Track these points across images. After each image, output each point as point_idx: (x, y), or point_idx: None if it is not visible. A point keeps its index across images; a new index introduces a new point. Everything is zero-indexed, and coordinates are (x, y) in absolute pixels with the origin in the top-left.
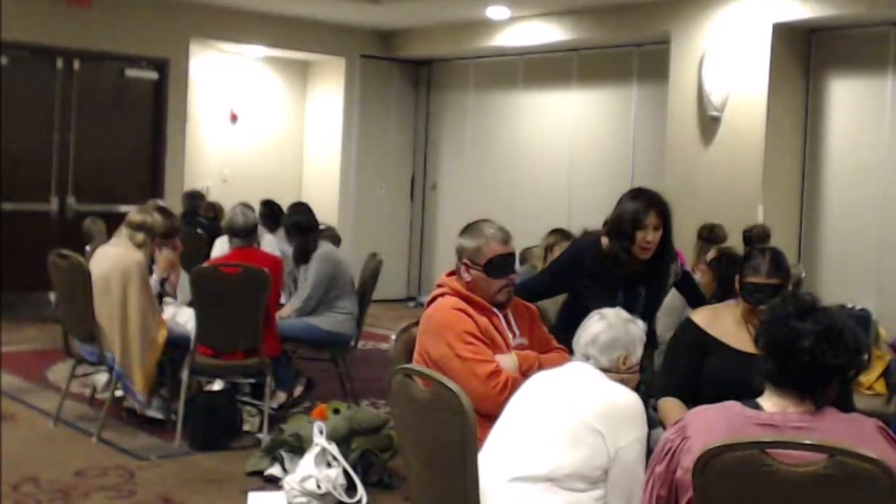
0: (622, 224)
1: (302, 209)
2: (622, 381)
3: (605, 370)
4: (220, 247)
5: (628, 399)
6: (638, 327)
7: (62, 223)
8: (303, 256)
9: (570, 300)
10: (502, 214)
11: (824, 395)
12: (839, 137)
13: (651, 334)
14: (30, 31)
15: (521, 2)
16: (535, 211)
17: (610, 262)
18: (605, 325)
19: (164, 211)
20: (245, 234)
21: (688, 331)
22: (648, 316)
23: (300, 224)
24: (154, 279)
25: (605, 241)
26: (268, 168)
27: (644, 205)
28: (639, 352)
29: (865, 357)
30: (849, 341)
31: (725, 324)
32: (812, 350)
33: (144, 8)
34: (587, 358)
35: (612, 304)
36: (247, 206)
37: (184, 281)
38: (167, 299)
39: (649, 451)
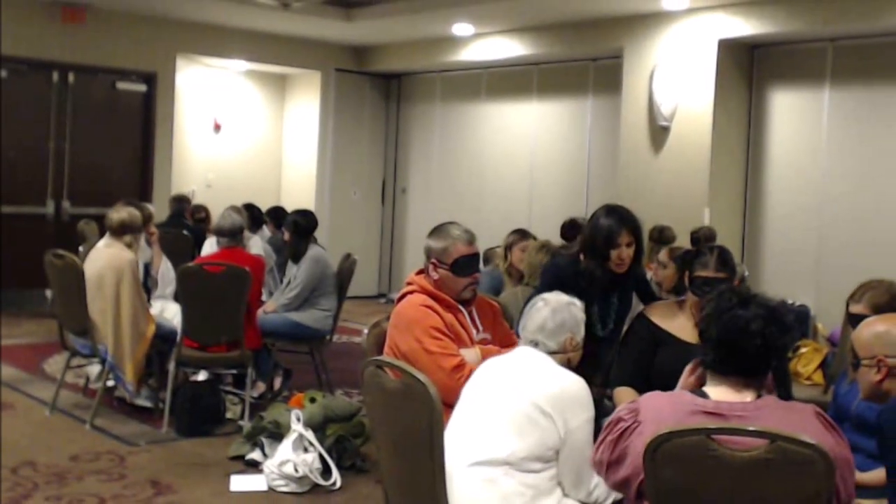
0: (597, 243)
1: (306, 213)
2: (569, 360)
3: (554, 352)
4: (209, 247)
5: (576, 384)
6: (578, 308)
7: (58, 225)
8: (293, 256)
9: None
10: (467, 217)
11: (763, 380)
12: (780, 146)
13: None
14: (28, 47)
15: (485, 19)
16: (498, 213)
17: (587, 279)
18: (550, 310)
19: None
20: (231, 235)
21: (641, 325)
22: (619, 321)
23: (299, 224)
24: (140, 265)
25: (583, 259)
26: (249, 174)
27: (616, 223)
28: (582, 331)
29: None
30: (788, 319)
31: (676, 318)
32: (763, 331)
33: (134, 25)
34: (535, 344)
35: (588, 315)
36: (235, 208)
37: (167, 272)
38: (154, 293)
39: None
